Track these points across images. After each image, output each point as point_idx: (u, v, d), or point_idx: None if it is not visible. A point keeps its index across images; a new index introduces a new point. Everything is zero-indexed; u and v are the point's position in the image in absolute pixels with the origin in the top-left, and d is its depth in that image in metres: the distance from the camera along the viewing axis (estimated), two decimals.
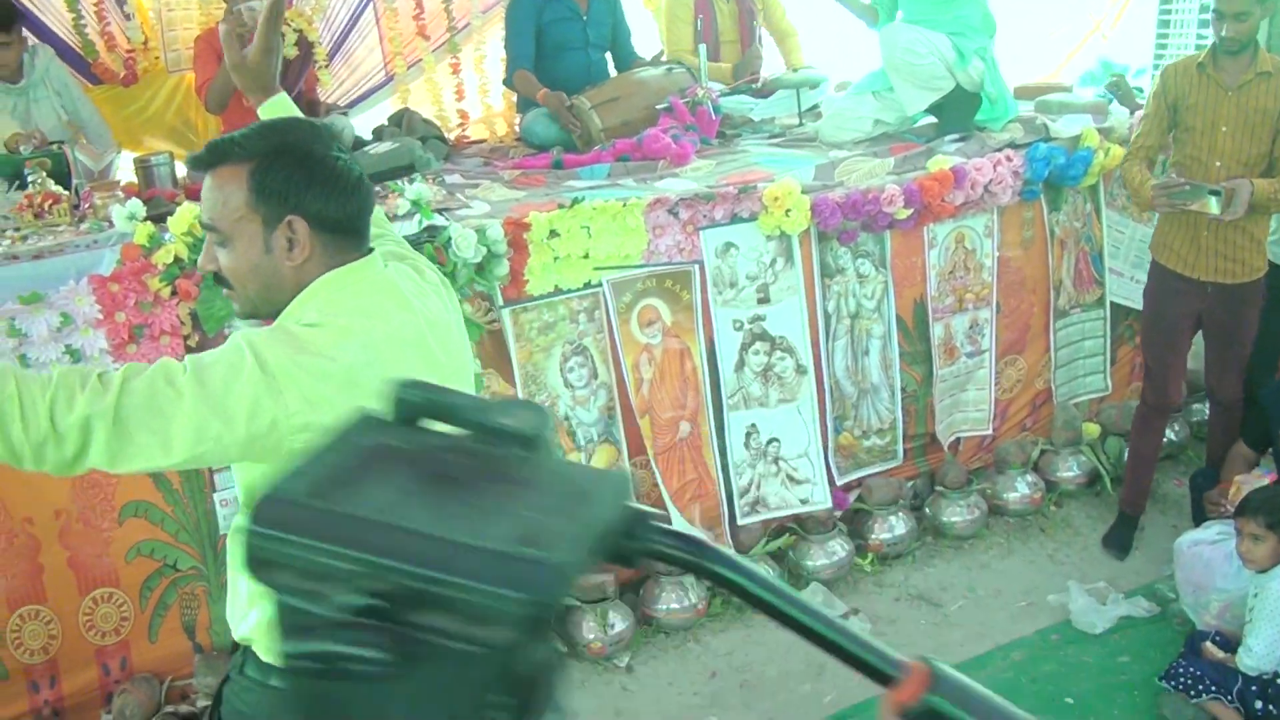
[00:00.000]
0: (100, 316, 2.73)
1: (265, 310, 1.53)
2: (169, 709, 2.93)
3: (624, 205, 3.19)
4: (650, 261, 3.29)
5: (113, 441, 1.30)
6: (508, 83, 4.46)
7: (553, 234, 3.09)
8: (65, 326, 2.71)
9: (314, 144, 1.48)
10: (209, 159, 1.46)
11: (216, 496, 2.95)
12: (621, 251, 3.23)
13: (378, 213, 1.78)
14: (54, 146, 3.40)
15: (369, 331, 1.43)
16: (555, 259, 3.11)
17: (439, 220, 2.94)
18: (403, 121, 4.24)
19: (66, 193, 3.04)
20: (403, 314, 1.50)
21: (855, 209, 3.45)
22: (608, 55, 4.64)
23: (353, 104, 4.64)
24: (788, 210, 3.33)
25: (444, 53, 4.69)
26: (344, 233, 1.50)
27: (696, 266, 3.37)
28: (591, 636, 3.17)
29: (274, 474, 0.54)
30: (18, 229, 2.96)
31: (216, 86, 3.96)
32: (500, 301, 3.06)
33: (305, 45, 4.17)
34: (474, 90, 4.75)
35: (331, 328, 1.42)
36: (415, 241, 2.94)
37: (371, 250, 1.55)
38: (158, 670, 2.98)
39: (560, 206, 3.11)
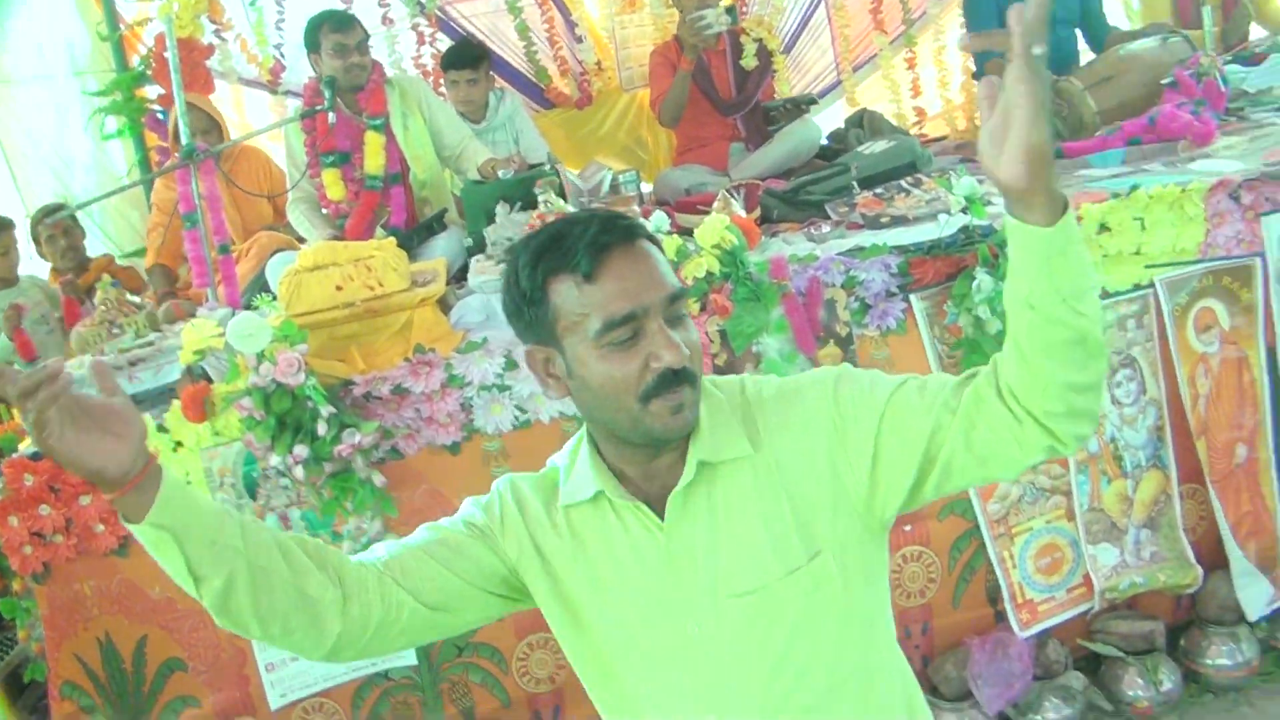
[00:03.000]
0: None
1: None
2: None
3: (1183, 191, 2.74)
4: (1206, 256, 2.82)
5: None
6: (978, 74, 4.10)
7: (1102, 228, 2.69)
8: None
9: None
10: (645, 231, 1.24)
11: None
12: (1176, 246, 2.78)
13: None
14: (546, 168, 3.41)
15: None
16: (1104, 257, 2.71)
17: (982, 221, 2.61)
18: (862, 121, 3.97)
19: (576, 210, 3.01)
20: None
21: None
22: (1076, 31, 4.19)
23: None
24: None
25: (899, 47, 4.38)
26: None
27: (1259, 259, 2.85)
28: (1136, 694, 2.74)
29: None
30: None
31: (670, 100, 3.88)
32: None
33: (764, 54, 3.99)
34: (931, 85, 4.41)
35: None
36: (952, 243, 2.65)
37: None
38: None
39: (1114, 195, 2.70)
